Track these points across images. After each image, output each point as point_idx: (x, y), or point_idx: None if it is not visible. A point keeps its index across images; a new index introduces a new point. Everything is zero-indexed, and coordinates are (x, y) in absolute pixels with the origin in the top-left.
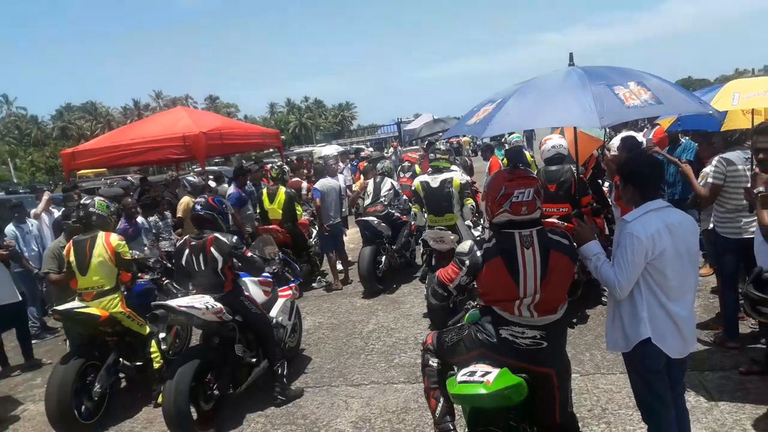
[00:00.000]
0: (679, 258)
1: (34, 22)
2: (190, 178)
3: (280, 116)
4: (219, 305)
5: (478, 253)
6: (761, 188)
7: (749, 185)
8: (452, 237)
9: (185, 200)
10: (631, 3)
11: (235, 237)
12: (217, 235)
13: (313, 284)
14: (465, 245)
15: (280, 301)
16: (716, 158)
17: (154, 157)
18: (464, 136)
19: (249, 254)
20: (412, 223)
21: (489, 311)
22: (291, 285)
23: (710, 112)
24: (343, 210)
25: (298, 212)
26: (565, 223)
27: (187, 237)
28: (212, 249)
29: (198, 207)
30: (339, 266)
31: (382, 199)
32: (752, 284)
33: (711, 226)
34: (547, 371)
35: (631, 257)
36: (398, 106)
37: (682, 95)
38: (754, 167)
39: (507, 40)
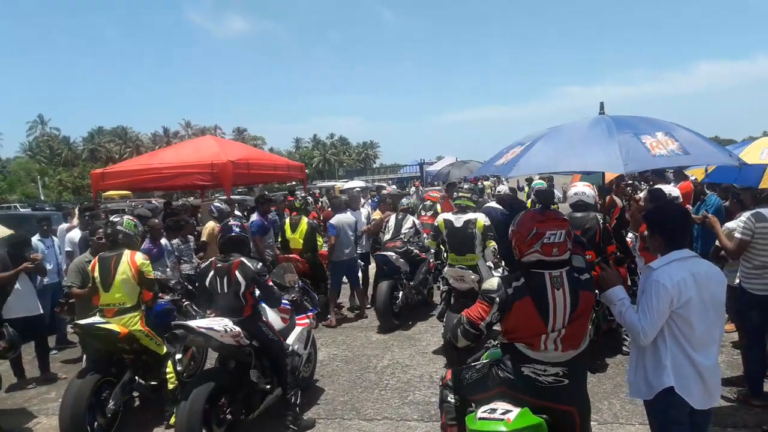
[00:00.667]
0: (705, 308)
1: (75, 47)
2: (218, 204)
3: (305, 151)
4: (237, 329)
5: (509, 291)
6: None
7: None
8: (473, 277)
9: (210, 225)
10: (659, 61)
11: (260, 264)
12: (243, 259)
13: (329, 316)
14: (493, 282)
15: (297, 330)
16: (746, 214)
17: (182, 183)
18: (487, 179)
19: (270, 283)
20: (431, 260)
21: (511, 349)
22: (309, 314)
23: (737, 164)
24: (359, 247)
25: (318, 243)
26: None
27: (213, 259)
28: (237, 272)
29: (237, 229)
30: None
31: (402, 236)
32: None
33: (737, 281)
34: (569, 409)
35: (657, 304)
36: (421, 148)
37: (709, 146)
38: None
39: (533, 89)
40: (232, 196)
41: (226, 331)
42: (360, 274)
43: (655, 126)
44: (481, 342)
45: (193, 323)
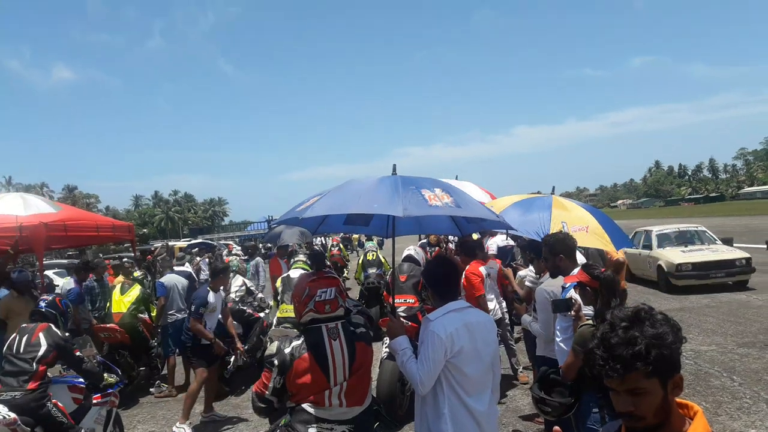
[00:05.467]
0: (477, 355)
1: None
2: (19, 273)
3: (145, 209)
4: (13, 415)
5: (286, 351)
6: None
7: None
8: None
9: (5, 299)
10: (484, 125)
11: (68, 334)
12: (52, 325)
13: (151, 389)
14: (273, 347)
15: (93, 410)
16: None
17: None
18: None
19: (78, 353)
20: (265, 320)
21: (298, 411)
22: (109, 391)
23: (500, 220)
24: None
25: (145, 314)
26: (410, 323)
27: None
28: (41, 334)
29: (42, 304)
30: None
31: (232, 296)
32: (537, 384)
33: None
34: None
35: (432, 354)
36: (272, 205)
37: (479, 205)
38: None
39: (377, 149)
40: (60, 260)
41: None
42: None
43: (435, 184)
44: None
45: None
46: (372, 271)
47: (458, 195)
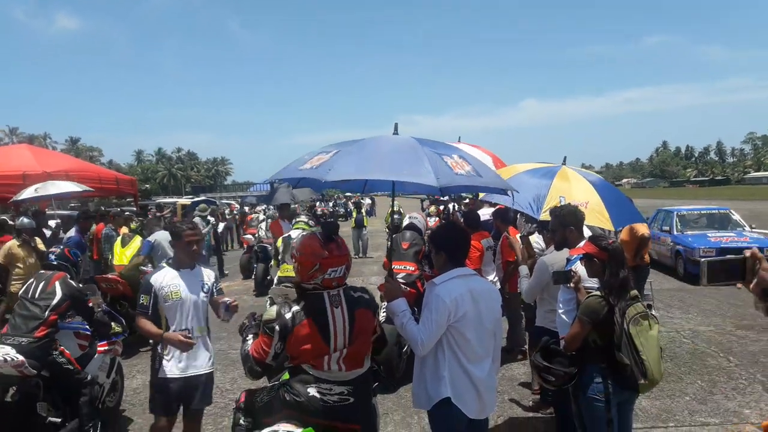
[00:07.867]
0: (480, 322)
1: None
2: (26, 219)
3: (147, 164)
4: (20, 358)
5: (287, 316)
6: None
7: None
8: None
9: (9, 244)
10: (492, 97)
11: (82, 285)
12: (68, 275)
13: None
14: (272, 311)
15: (98, 357)
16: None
17: None
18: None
19: (90, 304)
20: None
21: (298, 370)
22: (114, 340)
23: (513, 189)
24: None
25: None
26: (408, 288)
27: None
28: (57, 283)
29: (52, 257)
30: None
31: (262, 233)
32: (539, 353)
33: None
34: (354, 427)
35: (436, 317)
36: (276, 167)
37: (494, 173)
38: None
39: (383, 117)
40: (61, 211)
41: (5, 360)
42: None
43: (450, 149)
44: None
45: None
46: (396, 216)
47: (475, 162)
